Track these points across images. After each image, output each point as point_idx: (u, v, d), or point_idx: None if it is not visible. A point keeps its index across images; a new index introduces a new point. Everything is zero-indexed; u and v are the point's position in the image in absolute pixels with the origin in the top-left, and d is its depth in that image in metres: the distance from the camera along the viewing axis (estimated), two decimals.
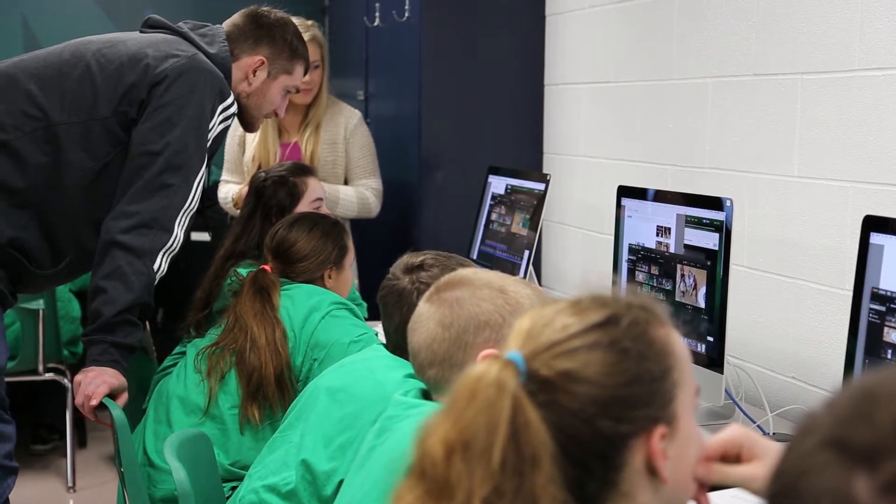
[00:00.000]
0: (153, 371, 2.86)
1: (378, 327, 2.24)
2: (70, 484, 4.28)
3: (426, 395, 1.62)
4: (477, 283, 1.62)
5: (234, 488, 2.34)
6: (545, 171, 4.04)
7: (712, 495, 1.17)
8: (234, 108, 2.70)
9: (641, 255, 2.65)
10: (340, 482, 1.88)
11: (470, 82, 4.03)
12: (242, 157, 3.83)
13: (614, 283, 2.67)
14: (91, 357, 2.47)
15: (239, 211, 3.20)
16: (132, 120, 2.56)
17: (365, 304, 3.17)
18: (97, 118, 2.56)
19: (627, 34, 3.49)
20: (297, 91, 2.97)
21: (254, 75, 2.78)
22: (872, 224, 1.98)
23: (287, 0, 3.07)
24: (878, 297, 1.94)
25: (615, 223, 2.76)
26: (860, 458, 0.74)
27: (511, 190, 3.44)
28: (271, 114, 2.88)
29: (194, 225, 3.07)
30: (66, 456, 4.31)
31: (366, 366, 2.02)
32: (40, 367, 4.24)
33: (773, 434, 2.35)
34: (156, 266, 2.50)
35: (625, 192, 2.75)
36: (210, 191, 4.00)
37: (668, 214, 2.55)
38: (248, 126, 2.90)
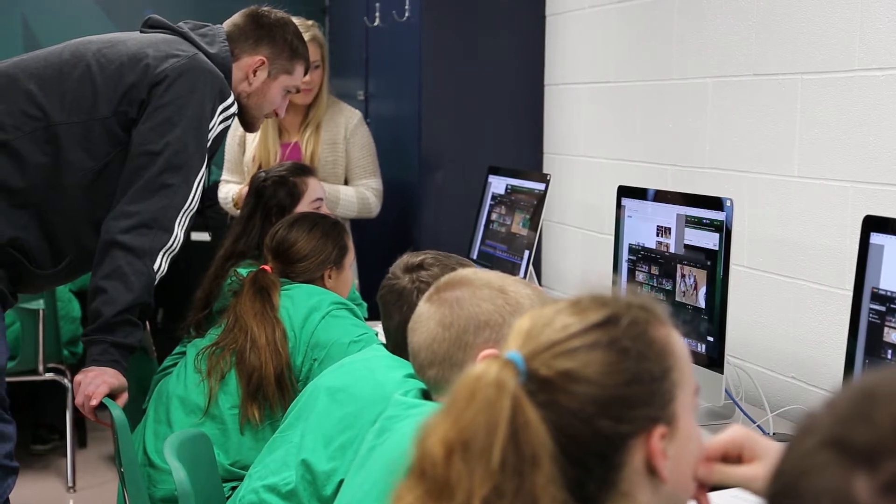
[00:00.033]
0: (153, 371, 2.87)
1: (378, 327, 2.24)
2: (70, 484, 4.28)
3: (426, 395, 1.62)
4: (477, 283, 1.62)
5: (234, 488, 2.34)
6: (545, 171, 4.04)
7: (712, 495, 1.17)
8: (234, 108, 2.70)
9: (641, 255, 2.65)
10: (340, 482, 1.88)
11: (470, 82, 4.03)
12: (242, 157, 3.83)
13: (614, 283, 2.67)
14: (91, 357, 2.47)
15: (239, 211, 3.20)
16: (132, 120, 2.56)
17: (365, 304, 3.17)
18: (97, 118, 2.56)
19: (627, 34, 3.49)
20: (298, 91, 2.97)
21: (254, 75, 2.78)
22: (872, 224, 1.98)
23: (287, 0, 3.07)
24: (878, 297, 1.94)
25: (615, 223, 2.76)
26: (860, 458, 0.74)
27: (511, 190, 3.44)
28: (272, 114, 2.88)
29: (194, 225, 3.07)
30: (66, 456, 4.31)
31: (366, 366, 2.02)
32: (40, 367, 4.24)
33: (773, 434, 2.35)
34: (156, 266, 2.51)
35: (625, 192, 2.75)
36: (210, 191, 4.00)
37: (668, 214, 2.55)
38: (249, 126, 2.90)
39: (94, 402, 2.39)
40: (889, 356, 1.90)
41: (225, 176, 3.88)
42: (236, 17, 2.82)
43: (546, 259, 4.10)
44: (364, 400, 1.93)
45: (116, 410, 2.37)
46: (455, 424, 1.00)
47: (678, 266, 2.52)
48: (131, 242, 2.48)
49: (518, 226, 3.33)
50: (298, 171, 3.09)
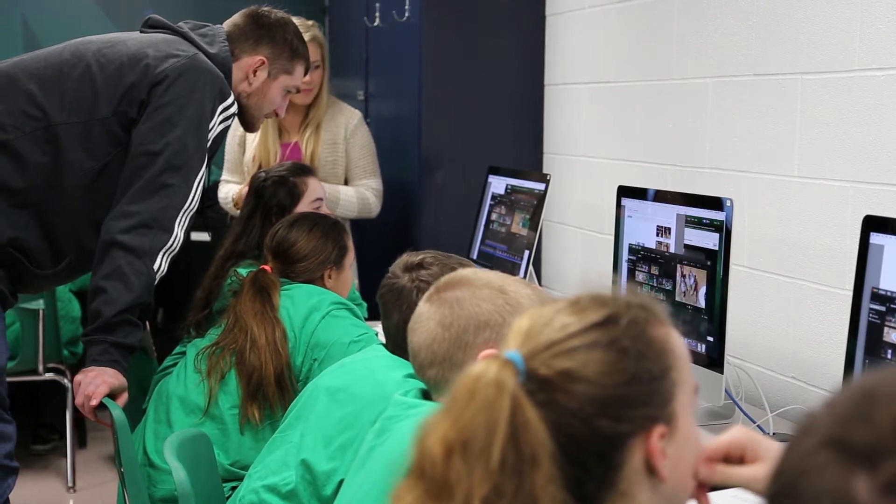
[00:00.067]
0: (153, 371, 2.86)
1: (378, 327, 2.24)
2: (70, 484, 4.28)
3: (426, 395, 1.62)
4: (477, 283, 1.62)
5: (234, 488, 2.34)
6: (545, 171, 4.04)
7: (712, 495, 1.17)
8: (234, 108, 2.70)
9: (641, 255, 2.65)
10: (340, 482, 1.88)
11: (470, 82, 4.03)
12: (243, 157, 3.83)
13: (614, 283, 2.67)
14: (91, 357, 2.47)
15: (239, 211, 3.20)
16: (132, 120, 2.56)
17: (365, 304, 3.17)
18: (97, 118, 2.56)
19: (627, 34, 3.49)
20: (298, 91, 2.97)
21: (254, 75, 2.78)
22: (872, 224, 1.98)
23: (287, 0, 3.07)
24: (878, 297, 1.94)
25: (615, 223, 2.76)
26: (860, 458, 0.74)
27: (511, 190, 3.44)
28: (272, 114, 2.88)
29: (194, 225, 3.07)
30: (66, 456, 4.31)
31: (366, 366, 2.02)
32: (40, 367, 4.24)
33: (773, 434, 2.35)
34: (156, 266, 2.50)
35: (625, 192, 2.75)
36: (210, 191, 4.00)
37: (668, 214, 2.55)
38: (249, 126, 2.90)
39: (94, 402, 2.39)
40: (889, 356, 1.90)
41: (225, 176, 3.88)
42: (236, 17, 2.82)
43: (546, 259, 4.10)
44: (364, 400, 1.93)
45: (116, 410, 2.37)
46: (454, 424, 1.00)
47: (678, 266, 2.52)
48: (131, 242, 2.48)
49: (518, 226, 3.33)
50: (298, 171, 3.09)
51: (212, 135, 2.62)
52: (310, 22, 3.76)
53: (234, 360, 2.57)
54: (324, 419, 2.00)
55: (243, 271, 2.74)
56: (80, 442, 4.69)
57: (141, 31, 2.78)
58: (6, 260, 2.54)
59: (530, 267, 3.19)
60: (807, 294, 2.67)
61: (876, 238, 1.96)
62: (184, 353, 2.74)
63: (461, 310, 1.58)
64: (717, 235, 2.39)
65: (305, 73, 2.93)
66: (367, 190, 3.82)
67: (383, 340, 2.10)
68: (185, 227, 2.57)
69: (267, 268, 2.68)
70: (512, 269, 3.22)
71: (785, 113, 2.74)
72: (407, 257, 2.03)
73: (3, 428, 2.50)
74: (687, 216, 2.49)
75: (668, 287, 2.54)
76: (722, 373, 2.36)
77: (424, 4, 3.96)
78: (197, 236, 4.60)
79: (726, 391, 2.39)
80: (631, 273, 2.69)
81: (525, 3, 4.05)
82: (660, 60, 3.30)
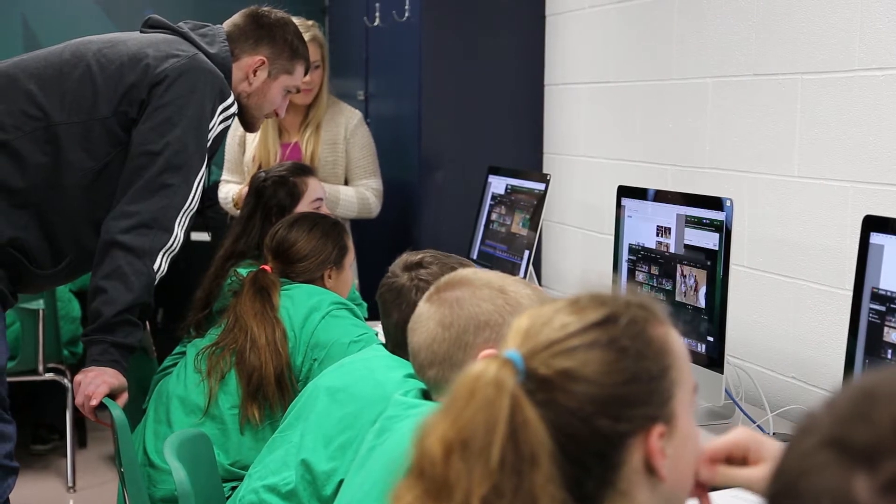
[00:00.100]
0: (153, 371, 2.86)
1: (378, 327, 2.24)
2: (70, 484, 4.28)
3: (426, 395, 1.62)
4: (477, 283, 1.61)
5: (234, 488, 2.34)
6: (545, 171, 4.04)
7: (712, 495, 1.17)
8: (234, 108, 2.70)
9: (641, 255, 2.65)
10: (340, 482, 1.88)
11: (470, 82, 4.03)
12: (243, 157, 3.83)
13: (614, 283, 2.67)
14: (91, 357, 2.47)
15: (239, 211, 3.20)
16: (132, 120, 2.56)
17: (365, 304, 3.17)
18: (97, 118, 2.56)
19: (627, 34, 3.49)
20: (298, 91, 2.97)
21: (254, 75, 2.78)
22: (872, 224, 1.98)
23: (287, 0, 3.07)
24: (878, 297, 1.94)
25: (615, 223, 2.76)
26: (860, 457, 0.74)
27: (511, 190, 3.44)
28: (272, 114, 2.88)
29: (194, 225, 3.07)
30: (66, 456, 4.31)
31: (366, 366, 2.02)
32: (40, 367, 4.24)
33: (774, 434, 2.35)
34: (156, 266, 2.50)
35: (625, 192, 2.75)
36: (210, 191, 4.00)
37: (668, 214, 2.55)
38: (249, 126, 2.90)
39: (94, 402, 2.39)
40: (889, 356, 1.90)
41: (225, 176, 3.88)
42: (236, 17, 2.82)
43: (546, 259, 4.10)
44: (364, 400, 1.93)
45: (116, 410, 2.37)
46: (454, 424, 1.00)
47: (678, 266, 2.52)
48: (131, 242, 2.48)
49: (518, 226, 3.33)
50: (298, 171, 3.09)
51: (212, 135, 2.62)
52: (310, 22, 3.76)
53: (234, 360, 2.57)
54: (324, 419, 2.00)
55: (243, 271, 2.74)
56: (80, 442, 4.69)
57: (141, 31, 2.78)
58: (6, 260, 2.54)
59: (530, 267, 3.19)
60: (807, 294, 2.67)
61: (876, 238, 1.96)
62: (184, 353, 2.74)
63: (461, 310, 1.58)
64: (717, 235, 2.39)
65: (305, 73, 2.93)
66: (367, 190, 3.82)
67: (383, 340, 2.10)
68: (185, 227, 2.57)
69: (267, 268, 2.68)
70: (512, 269, 3.22)
71: (785, 113, 2.74)
72: (406, 257, 2.03)
73: (3, 428, 2.50)
74: (687, 216, 2.49)
75: (668, 287, 2.54)
76: (722, 373, 2.36)
77: (424, 4, 3.96)
78: (197, 236, 4.60)
79: (726, 391, 2.39)
80: (631, 273, 2.69)
81: (525, 3, 4.05)
82: (660, 60, 3.30)
